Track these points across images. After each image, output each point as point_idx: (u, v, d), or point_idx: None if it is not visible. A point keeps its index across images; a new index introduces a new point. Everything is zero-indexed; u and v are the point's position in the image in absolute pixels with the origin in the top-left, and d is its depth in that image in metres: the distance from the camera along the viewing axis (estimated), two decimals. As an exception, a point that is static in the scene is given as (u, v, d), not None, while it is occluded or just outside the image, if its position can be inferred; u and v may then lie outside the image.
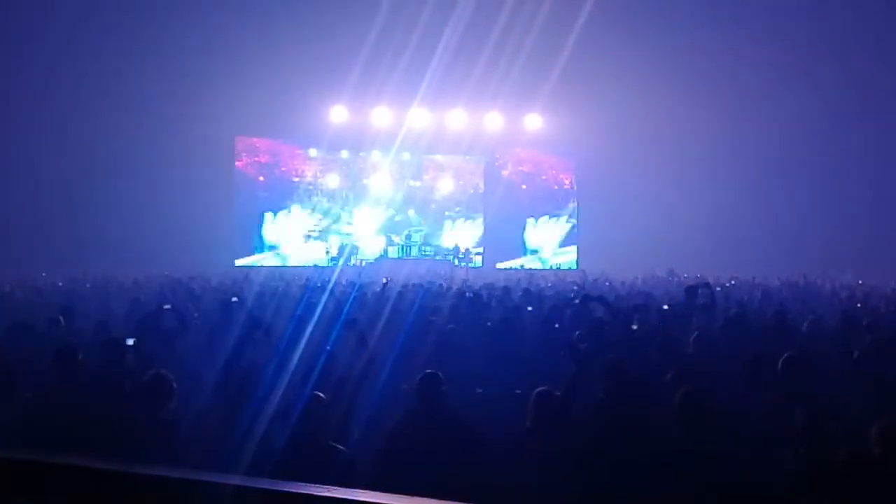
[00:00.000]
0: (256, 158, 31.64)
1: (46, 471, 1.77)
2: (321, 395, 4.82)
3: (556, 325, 8.88)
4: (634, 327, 8.39)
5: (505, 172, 33.02)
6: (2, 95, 24.77)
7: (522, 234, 33.31)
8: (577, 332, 7.71)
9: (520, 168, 32.84)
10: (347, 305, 9.74)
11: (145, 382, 5.18)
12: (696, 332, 7.71)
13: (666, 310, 10.14)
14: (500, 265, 31.17)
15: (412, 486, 1.89)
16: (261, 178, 31.61)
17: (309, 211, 32.04)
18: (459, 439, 4.95)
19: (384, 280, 15.06)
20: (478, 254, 32.48)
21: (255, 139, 31.43)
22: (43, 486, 1.75)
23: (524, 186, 33.30)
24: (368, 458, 4.86)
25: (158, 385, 5.14)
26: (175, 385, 5.16)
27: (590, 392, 5.70)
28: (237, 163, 31.32)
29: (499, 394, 6.40)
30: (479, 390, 6.44)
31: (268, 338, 6.34)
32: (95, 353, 6.34)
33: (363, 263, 28.53)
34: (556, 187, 33.77)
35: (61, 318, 8.48)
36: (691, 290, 10.31)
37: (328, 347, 6.37)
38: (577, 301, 10.35)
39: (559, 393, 5.18)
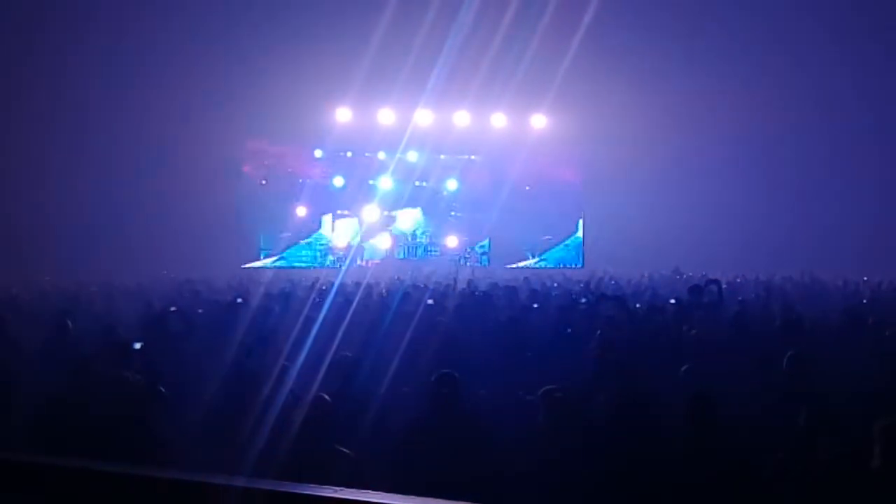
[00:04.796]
0: (262, 161, 31.55)
1: (54, 473, 1.77)
2: (326, 396, 4.81)
3: (567, 327, 8.84)
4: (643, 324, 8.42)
5: (511, 172, 32.80)
6: (13, 101, 24.78)
7: (530, 235, 33.02)
8: (598, 332, 7.62)
9: (525, 168, 32.57)
10: (353, 306, 9.72)
11: (130, 386, 5.24)
12: (696, 330, 7.70)
13: (673, 304, 10.16)
14: (506, 266, 30.94)
15: (426, 486, 1.88)
16: (266, 181, 31.50)
17: (314, 212, 31.94)
18: (474, 439, 4.90)
19: (380, 284, 15.00)
20: (483, 254, 32.35)
21: (260, 141, 31.32)
22: (51, 487, 1.75)
23: (528, 187, 33.06)
24: (377, 459, 4.85)
25: (142, 389, 5.19)
26: (159, 389, 5.21)
27: (605, 390, 5.70)
28: (244, 166, 31.21)
29: (506, 393, 6.37)
30: (483, 391, 6.39)
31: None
32: (101, 357, 6.33)
33: (369, 264, 28.48)
34: (562, 187, 33.60)
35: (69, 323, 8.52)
36: (695, 290, 10.32)
37: (333, 350, 6.37)
38: (584, 301, 10.35)
39: (564, 391, 5.16)
